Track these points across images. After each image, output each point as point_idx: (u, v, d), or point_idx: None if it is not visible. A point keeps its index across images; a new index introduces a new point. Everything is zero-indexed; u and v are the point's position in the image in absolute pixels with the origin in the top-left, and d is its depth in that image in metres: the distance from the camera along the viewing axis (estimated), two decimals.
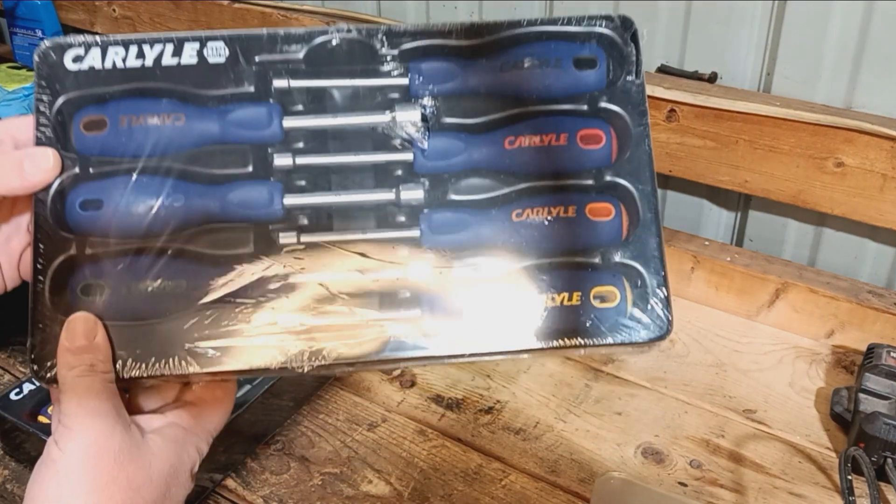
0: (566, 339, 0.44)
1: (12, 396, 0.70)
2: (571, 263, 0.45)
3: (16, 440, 0.70)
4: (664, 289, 0.45)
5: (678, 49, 0.93)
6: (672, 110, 0.89)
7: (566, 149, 0.47)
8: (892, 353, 0.75)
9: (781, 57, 0.87)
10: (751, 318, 0.89)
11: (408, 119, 0.46)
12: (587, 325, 0.44)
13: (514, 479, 0.69)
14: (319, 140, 0.46)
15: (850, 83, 0.84)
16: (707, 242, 0.93)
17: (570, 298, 0.44)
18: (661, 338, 0.44)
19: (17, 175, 0.44)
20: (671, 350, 0.85)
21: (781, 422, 0.76)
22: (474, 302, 0.44)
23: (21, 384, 0.71)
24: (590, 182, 0.46)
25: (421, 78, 0.47)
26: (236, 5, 1.22)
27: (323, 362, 0.43)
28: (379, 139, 0.46)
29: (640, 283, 0.45)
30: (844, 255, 0.92)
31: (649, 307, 0.44)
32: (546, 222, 0.45)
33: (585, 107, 0.48)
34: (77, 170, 0.45)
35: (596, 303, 0.44)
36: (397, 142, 0.46)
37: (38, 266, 0.44)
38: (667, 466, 0.71)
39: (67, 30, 1.44)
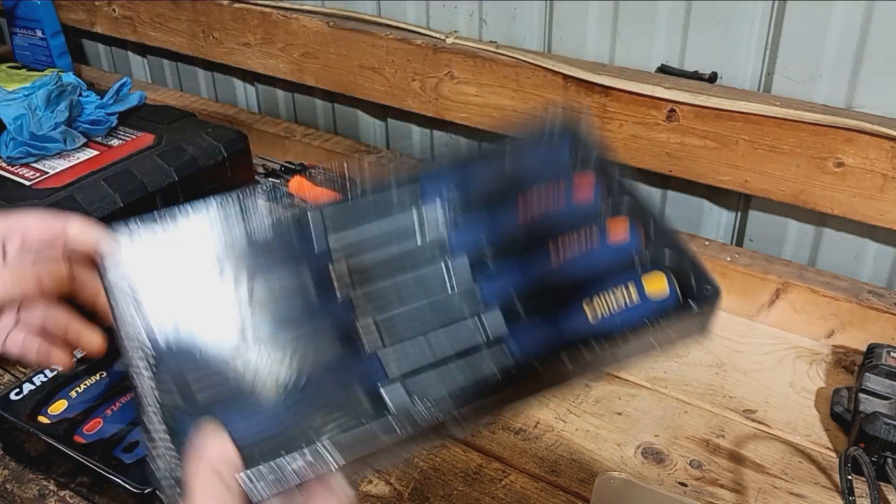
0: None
1: (12, 396, 0.70)
2: None
3: (16, 440, 0.70)
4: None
5: (678, 49, 0.93)
6: (672, 110, 0.89)
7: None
8: (892, 353, 0.75)
9: (782, 57, 0.87)
10: (751, 318, 0.89)
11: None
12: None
13: (514, 479, 0.69)
14: None
15: (851, 83, 0.84)
16: (707, 242, 0.93)
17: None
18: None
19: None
20: (671, 350, 0.85)
21: (782, 422, 0.76)
22: None
23: (21, 384, 0.71)
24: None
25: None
26: (236, 5, 1.22)
27: None
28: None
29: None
30: (845, 255, 0.92)
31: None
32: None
33: None
34: None
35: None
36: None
37: None
38: (667, 466, 0.71)
39: (67, 30, 1.44)
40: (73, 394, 0.71)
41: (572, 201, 0.51)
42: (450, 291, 0.47)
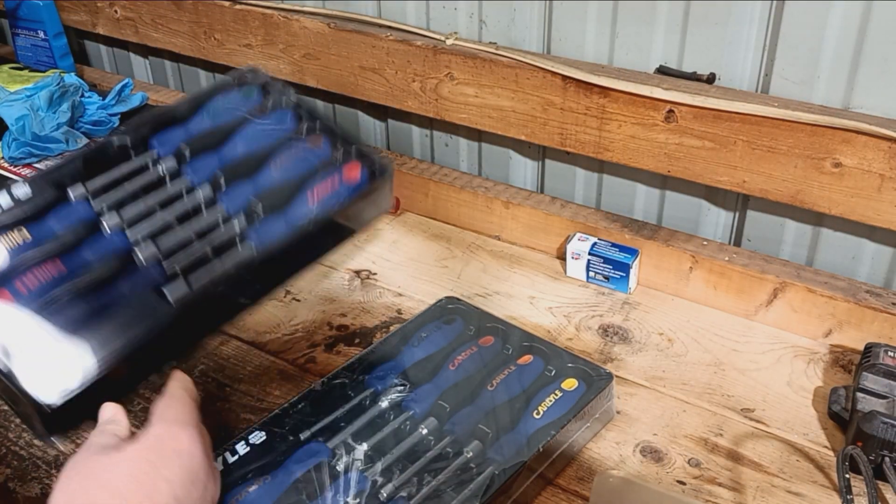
0: None
1: None
2: None
3: None
4: None
5: (677, 50, 0.94)
6: (670, 111, 0.90)
7: None
8: (889, 353, 0.76)
9: (780, 58, 0.88)
10: (749, 317, 0.89)
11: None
12: None
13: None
14: None
15: (849, 84, 0.85)
16: (705, 242, 0.93)
17: None
18: None
19: None
20: (670, 349, 0.85)
21: (780, 421, 0.76)
22: None
23: None
24: None
25: None
26: (237, 7, 1.23)
27: None
28: None
29: None
30: (842, 254, 0.93)
31: None
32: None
33: None
34: None
35: None
36: None
37: None
38: (665, 465, 0.71)
39: (69, 31, 1.45)
40: None
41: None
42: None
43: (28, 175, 0.67)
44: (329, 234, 0.66)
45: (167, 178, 0.65)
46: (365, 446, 0.65)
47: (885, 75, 0.82)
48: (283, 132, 0.68)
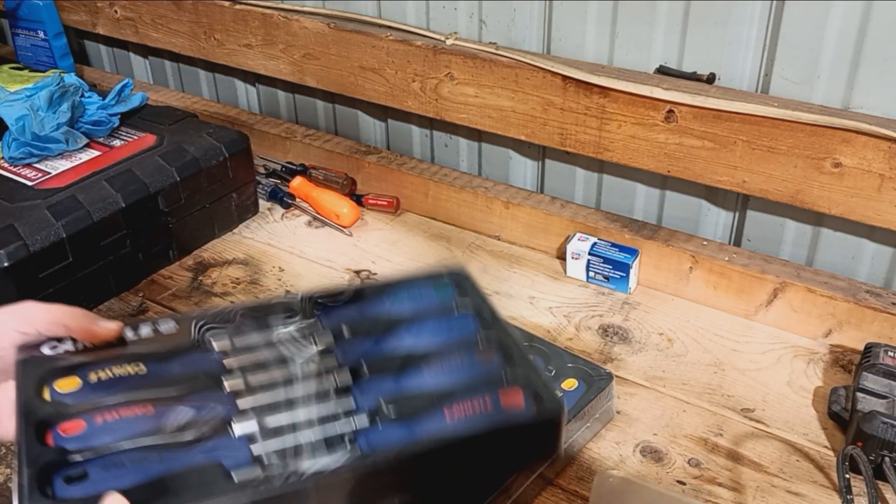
0: None
1: (46, 349, 0.64)
2: None
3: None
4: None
5: (677, 50, 0.94)
6: (670, 111, 0.90)
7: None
8: (889, 353, 0.76)
9: (780, 57, 0.88)
10: (749, 317, 0.89)
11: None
12: None
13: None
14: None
15: (848, 84, 0.85)
16: (705, 242, 0.93)
17: None
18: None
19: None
20: (670, 349, 0.85)
21: (779, 421, 0.76)
22: None
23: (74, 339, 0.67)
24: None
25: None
26: (237, 7, 1.23)
27: None
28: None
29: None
30: (842, 254, 0.93)
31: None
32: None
33: None
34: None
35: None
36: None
37: None
38: (665, 465, 0.71)
39: (69, 31, 1.45)
40: (94, 377, 0.56)
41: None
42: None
43: (173, 315, 0.63)
44: (467, 462, 0.55)
45: (315, 354, 0.59)
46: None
47: (885, 75, 0.82)
48: (456, 336, 0.61)
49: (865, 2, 0.80)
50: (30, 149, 0.98)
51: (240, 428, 0.54)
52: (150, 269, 0.99)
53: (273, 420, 0.54)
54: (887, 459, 0.66)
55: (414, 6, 1.12)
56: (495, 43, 1.04)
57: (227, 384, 0.56)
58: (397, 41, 1.08)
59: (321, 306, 0.63)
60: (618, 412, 0.77)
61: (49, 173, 0.96)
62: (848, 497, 0.63)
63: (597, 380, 0.73)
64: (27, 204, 0.90)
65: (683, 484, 0.70)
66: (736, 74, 0.91)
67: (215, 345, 0.59)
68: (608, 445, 0.73)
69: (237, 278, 0.99)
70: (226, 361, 0.58)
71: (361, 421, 0.55)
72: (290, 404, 0.56)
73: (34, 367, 0.56)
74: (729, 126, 0.87)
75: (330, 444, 0.53)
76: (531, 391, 0.56)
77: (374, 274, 0.99)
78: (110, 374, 0.56)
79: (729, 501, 0.68)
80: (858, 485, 0.65)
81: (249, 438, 0.53)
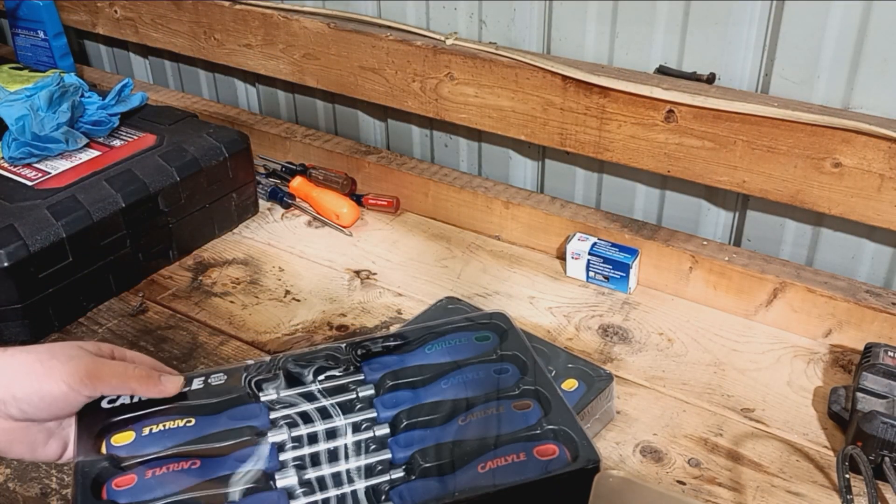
0: None
1: (104, 403, 0.62)
2: None
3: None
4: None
5: (677, 50, 0.94)
6: (670, 111, 0.90)
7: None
8: (889, 353, 0.76)
9: (779, 58, 0.88)
10: (749, 317, 0.89)
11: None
12: None
13: None
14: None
15: (848, 84, 0.85)
16: (705, 242, 0.93)
17: None
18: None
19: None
20: (670, 349, 0.85)
21: (779, 421, 0.76)
22: None
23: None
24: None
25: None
26: (237, 7, 1.22)
27: None
28: None
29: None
30: (842, 254, 0.93)
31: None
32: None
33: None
34: None
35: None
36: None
37: None
38: (665, 465, 0.71)
39: (69, 31, 1.45)
40: (146, 430, 0.59)
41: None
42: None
43: (222, 367, 0.65)
44: None
45: (355, 408, 0.62)
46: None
47: (885, 75, 0.82)
48: (494, 385, 0.63)
49: (865, 2, 0.80)
50: (30, 149, 0.98)
51: (282, 482, 0.56)
52: (150, 269, 0.99)
53: (313, 473, 0.57)
54: (887, 459, 0.66)
55: (414, 6, 1.12)
56: (495, 43, 1.04)
57: (271, 438, 0.59)
58: (397, 41, 1.08)
59: (365, 356, 0.66)
60: (618, 412, 0.77)
61: (49, 173, 0.96)
62: (848, 497, 0.63)
63: (597, 380, 0.73)
64: (27, 204, 0.90)
65: (683, 484, 0.70)
66: (736, 74, 0.91)
67: (262, 397, 0.62)
68: (608, 445, 0.73)
69: (237, 278, 0.99)
70: (271, 415, 0.60)
71: (397, 474, 0.57)
72: (330, 457, 0.58)
73: (92, 421, 0.58)
74: (729, 126, 0.87)
75: (368, 497, 0.56)
76: (568, 442, 0.57)
77: (374, 274, 0.99)
78: (162, 427, 0.59)
79: (729, 501, 0.68)
80: (858, 485, 0.65)
81: (290, 493, 0.55)
